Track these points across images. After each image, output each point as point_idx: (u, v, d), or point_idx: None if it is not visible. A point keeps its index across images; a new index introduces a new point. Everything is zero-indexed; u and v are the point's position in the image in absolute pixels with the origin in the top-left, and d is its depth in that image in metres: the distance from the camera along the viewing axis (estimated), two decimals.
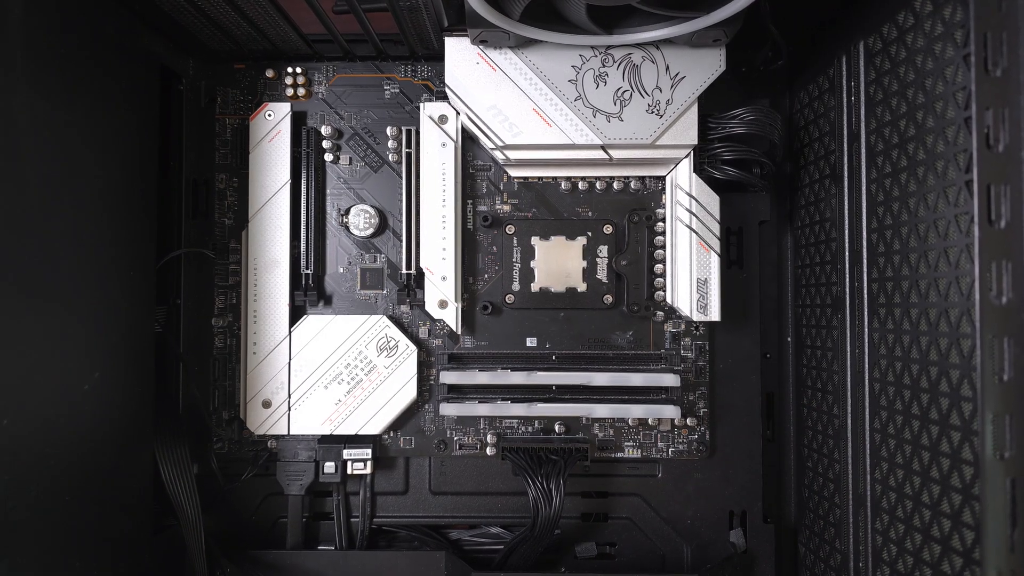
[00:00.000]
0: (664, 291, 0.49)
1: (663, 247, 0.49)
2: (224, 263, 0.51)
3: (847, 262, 0.43)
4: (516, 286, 0.50)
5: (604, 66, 0.45)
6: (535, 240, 0.50)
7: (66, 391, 0.37)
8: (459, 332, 0.50)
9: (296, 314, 0.50)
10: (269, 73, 0.51)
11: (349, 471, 0.49)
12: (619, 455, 0.50)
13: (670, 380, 0.48)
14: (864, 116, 0.41)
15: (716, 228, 0.46)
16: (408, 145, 0.49)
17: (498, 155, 0.47)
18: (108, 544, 0.40)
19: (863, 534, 0.41)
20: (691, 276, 0.46)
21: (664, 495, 0.51)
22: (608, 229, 0.49)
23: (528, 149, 0.46)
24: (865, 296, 0.41)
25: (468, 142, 0.49)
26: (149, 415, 0.45)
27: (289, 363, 0.49)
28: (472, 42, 0.44)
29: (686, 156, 0.47)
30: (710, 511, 0.51)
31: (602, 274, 0.49)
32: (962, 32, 0.32)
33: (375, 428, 0.49)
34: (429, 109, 0.48)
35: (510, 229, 0.50)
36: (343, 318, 0.49)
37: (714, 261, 0.46)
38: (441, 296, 0.48)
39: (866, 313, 0.41)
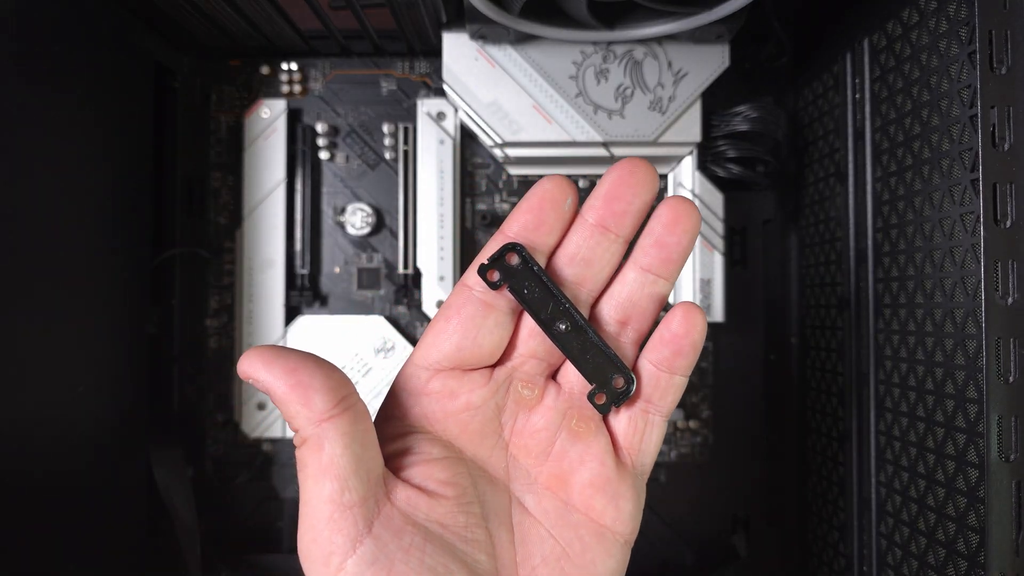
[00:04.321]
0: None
1: None
2: (219, 263, 0.50)
3: (852, 262, 0.42)
4: None
5: (605, 62, 0.44)
6: None
7: (59, 393, 0.36)
8: None
9: (291, 315, 0.49)
10: (264, 70, 0.50)
11: None
12: None
13: None
14: (869, 114, 0.41)
15: (720, 227, 0.46)
16: (405, 142, 0.49)
17: (497, 152, 0.47)
18: (102, 547, 0.40)
19: (868, 538, 0.40)
20: (695, 276, 0.46)
21: (666, 498, 0.50)
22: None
23: (528, 146, 0.46)
24: (871, 296, 0.40)
25: (467, 139, 0.49)
26: (143, 417, 0.44)
27: None
28: (471, 38, 0.43)
29: (689, 153, 0.46)
30: (713, 514, 0.50)
31: None
32: (967, 29, 0.31)
33: None
34: (427, 106, 0.47)
35: None
36: (339, 318, 0.49)
37: (718, 261, 0.46)
38: (439, 297, 0.47)
39: (871, 314, 0.40)
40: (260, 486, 0.50)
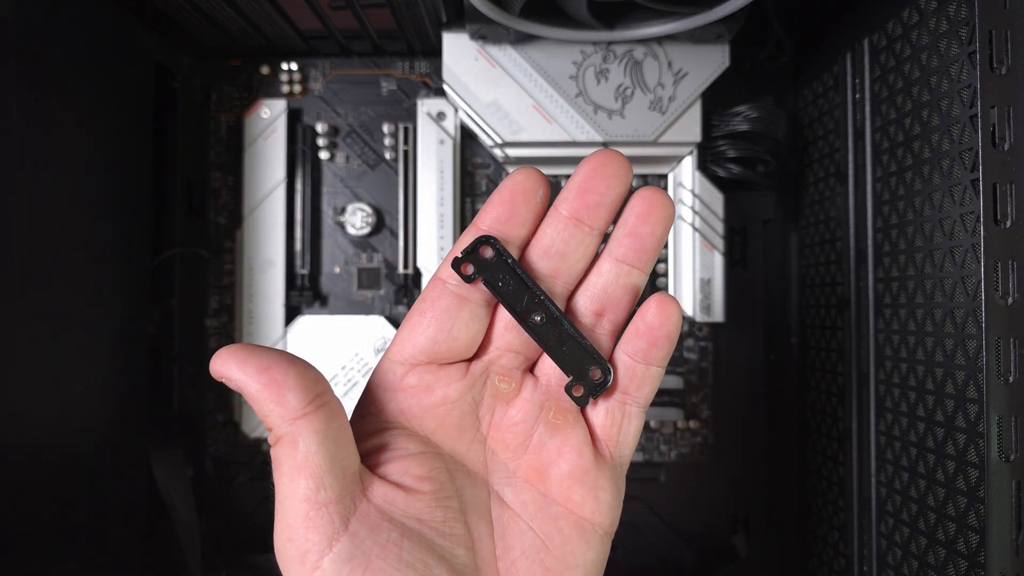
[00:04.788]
0: (666, 291, 0.49)
1: (666, 246, 0.49)
2: (219, 263, 0.50)
3: (852, 262, 0.42)
4: None
5: (606, 62, 0.44)
6: None
7: (60, 393, 0.36)
8: None
9: (291, 315, 0.49)
10: (264, 70, 0.50)
11: None
12: None
13: (673, 382, 0.48)
14: (869, 114, 0.41)
15: (720, 227, 0.46)
16: (405, 142, 0.49)
17: (497, 152, 0.47)
18: (102, 547, 0.40)
19: (868, 538, 0.40)
20: (694, 276, 0.46)
21: (666, 498, 0.50)
22: (610, 228, 0.49)
23: (528, 147, 0.46)
24: (871, 296, 0.40)
25: (467, 139, 0.49)
26: (143, 417, 0.44)
27: None
28: (471, 38, 0.43)
29: (689, 153, 0.46)
30: (713, 514, 0.50)
31: None
32: (967, 29, 0.31)
33: None
34: (427, 106, 0.47)
35: None
36: (339, 318, 0.49)
37: (718, 261, 0.46)
38: None
39: (871, 314, 0.40)
40: (260, 486, 0.50)
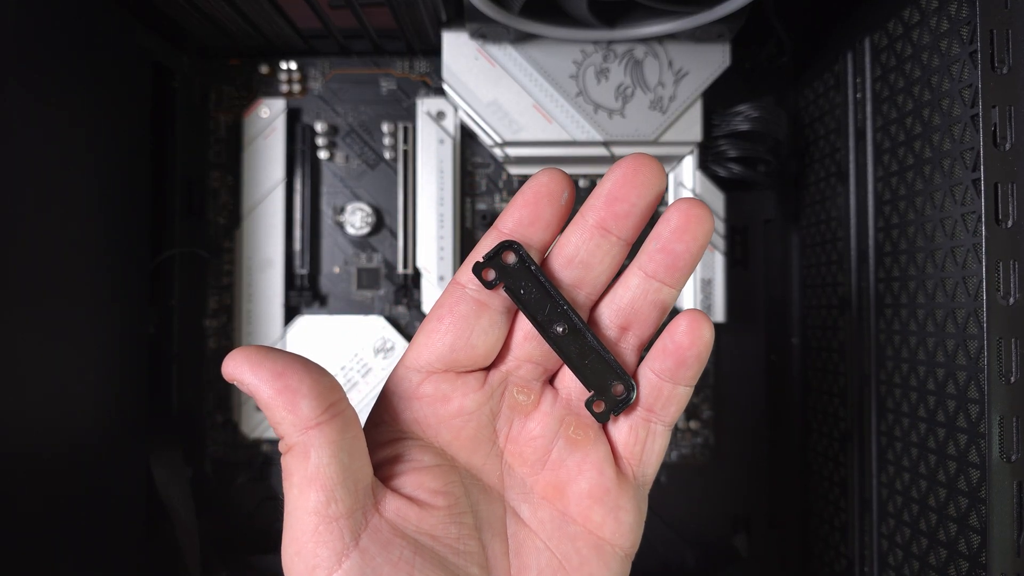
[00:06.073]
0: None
1: None
2: (218, 263, 0.50)
3: (853, 262, 0.42)
4: None
5: (606, 61, 0.44)
6: None
7: (58, 393, 0.36)
8: None
9: (291, 315, 0.49)
10: (264, 69, 0.50)
11: None
12: None
13: None
14: (870, 113, 0.41)
15: (721, 227, 0.46)
16: (405, 142, 0.49)
17: (497, 152, 0.47)
18: (101, 548, 0.40)
19: (869, 538, 0.40)
20: (695, 276, 0.46)
21: (668, 499, 0.50)
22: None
23: (528, 146, 0.46)
24: (872, 296, 0.40)
25: (466, 139, 0.49)
26: (142, 418, 0.44)
27: None
28: (471, 37, 0.43)
29: (690, 153, 0.46)
30: (714, 515, 0.50)
31: None
32: (968, 29, 0.31)
33: None
34: (426, 105, 0.47)
35: None
36: (339, 318, 0.49)
37: (719, 261, 0.46)
38: (439, 297, 0.47)
39: (873, 314, 0.40)
40: (260, 487, 0.50)
